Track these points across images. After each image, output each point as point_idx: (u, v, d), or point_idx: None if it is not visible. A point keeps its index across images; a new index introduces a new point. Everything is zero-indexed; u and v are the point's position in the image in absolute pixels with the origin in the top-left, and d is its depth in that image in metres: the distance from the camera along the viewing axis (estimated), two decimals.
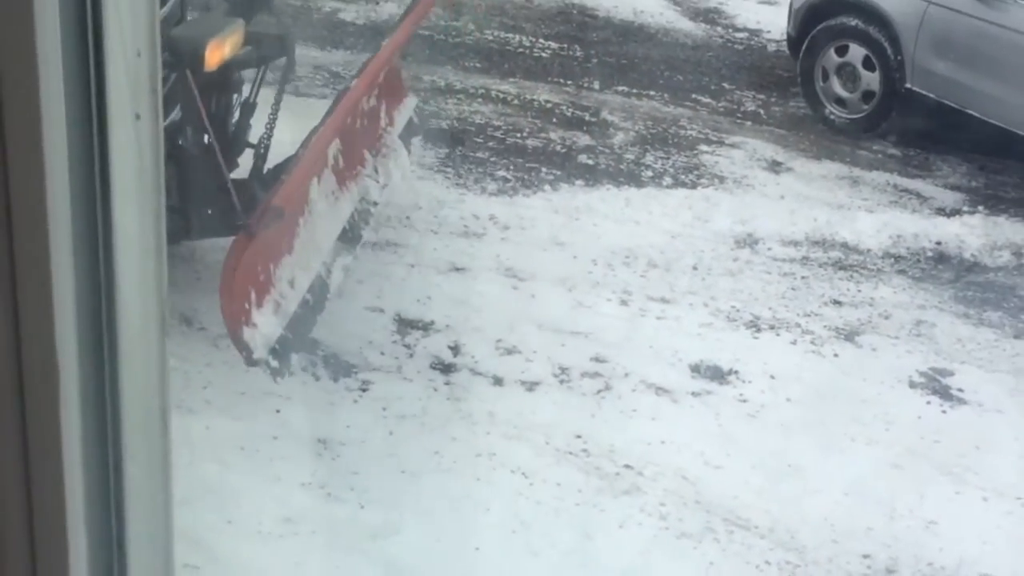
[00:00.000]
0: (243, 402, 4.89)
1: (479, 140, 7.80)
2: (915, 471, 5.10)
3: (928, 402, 5.60)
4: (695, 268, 6.50)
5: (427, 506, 4.47)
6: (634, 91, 8.93)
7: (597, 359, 5.55)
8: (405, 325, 5.62)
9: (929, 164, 8.11)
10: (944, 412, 5.56)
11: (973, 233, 7.16)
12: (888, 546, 4.66)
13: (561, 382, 5.36)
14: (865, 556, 4.60)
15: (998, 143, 7.70)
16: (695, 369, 5.60)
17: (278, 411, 4.89)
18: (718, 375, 5.58)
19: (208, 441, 4.60)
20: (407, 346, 5.46)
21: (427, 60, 8.85)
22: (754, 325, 6.02)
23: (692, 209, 7.12)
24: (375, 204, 5.89)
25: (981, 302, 6.53)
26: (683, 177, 7.62)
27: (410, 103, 6.76)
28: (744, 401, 5.41)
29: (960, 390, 5.71)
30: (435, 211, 6.71)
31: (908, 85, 8.02)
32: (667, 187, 7.46)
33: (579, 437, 4.98)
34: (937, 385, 5.73)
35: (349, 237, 5.57)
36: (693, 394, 5.41)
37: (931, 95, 7.92)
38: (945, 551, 4.66)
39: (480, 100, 8.45)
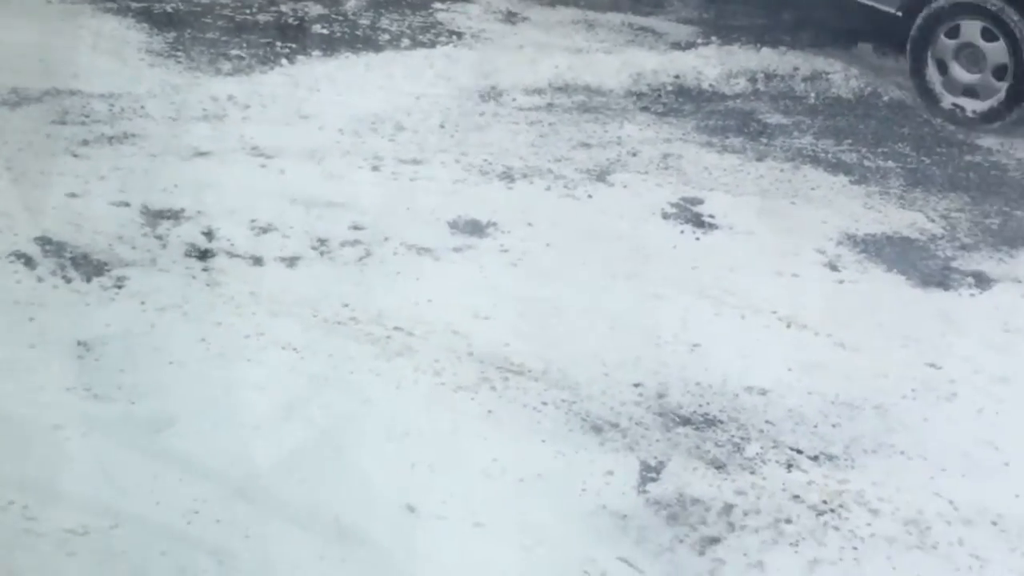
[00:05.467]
0: None
1: (208, 20, 7.56)
2: (675, 298, 5.25)
3: (682, 231, 5.75)
4: (442, 126, 6.48)
5: (199, 394, 4.39)
6: None
7: (355, 227, 5.51)
8: (154, 216, 5.46)
9: (661, 1, 8.22)
10: (698, 239, 5.71)
11: (709, 64, 7.32)
12: (657, 372, 4.80)
13: (321, 254, 5.31)
14: (636, 385, 4.73)
15: None
16: (454, 225, 5.61)
17: (32, 319, 4.71)
18: (477, 229, 5.61)
19: None
20: (159, 237, 5.31)
21: None
22: (507, 176, 6.06)
23: (433, 68, 7.08)
24: None
25: (723, 130, 6.70)
26: (421, 37, 7.56)
27: None
28: (505, 251, 5.46)
29: (711, 216, 5.88)
30: (170, 97, 6.50)
31: None
32: (406, 49, 7.39)
33: (346, 306, 4.95)
34: (689, 214, 5.88)
35: None
36: (455, 250, 5.43)
37: None
38: (710, 370, 4.83)
39: None
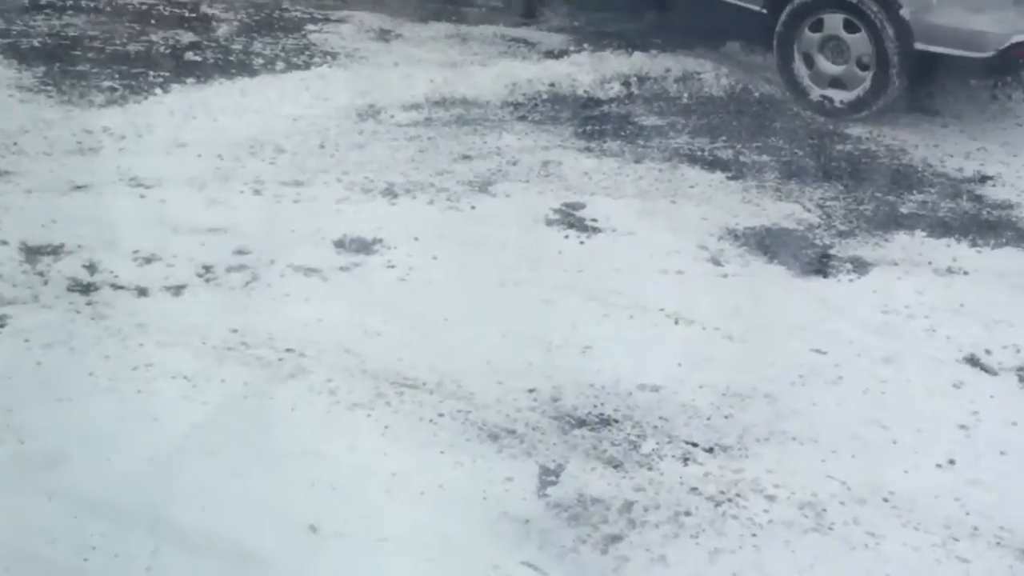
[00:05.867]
0: None
1: (77, 53, 7.47)
2: (564, 302, 5.30)
3: (566, 236, 5.81)
4: (322, 146, 6.47)
5: (91, 429, 4.34)
6: None
7: (240, 252, 5.48)
8: (33, 252, 5.38)
9: (532, 11, 8.28)
10: (582, 243, 5.78)
11: (583, 70, 7.40)
12: (550, 377, 4.85)
13: (207, 281, 5.27)
14: (531, 391, 4.76)
15: None
16: (340, 244, 5.61)
17: None
18: (363, 246, 5.61)
19: None
20: (40, 273, 5.24)
21: None
22: (390, 192, 6.07)
23: (310, 89, 7.08)
24: None
25: (600, 134, 6.78)
26: (295, 59, 7.54)
27: None
28: (392, 267, 5.47)
29: (594, 220, 5.94)
30: (44, 132, 6.42)
31: None
32: (281, 72, 7.38)
33: (235, 331, 4.93)
34: (572, 219, 5.94)
35: None
36: (342, 269, 5.43)
37: None
38: (603, 371, 4.89)
39: (71, 12, 8.07)
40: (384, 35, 7.81)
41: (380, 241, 5.65)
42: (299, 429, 4.43)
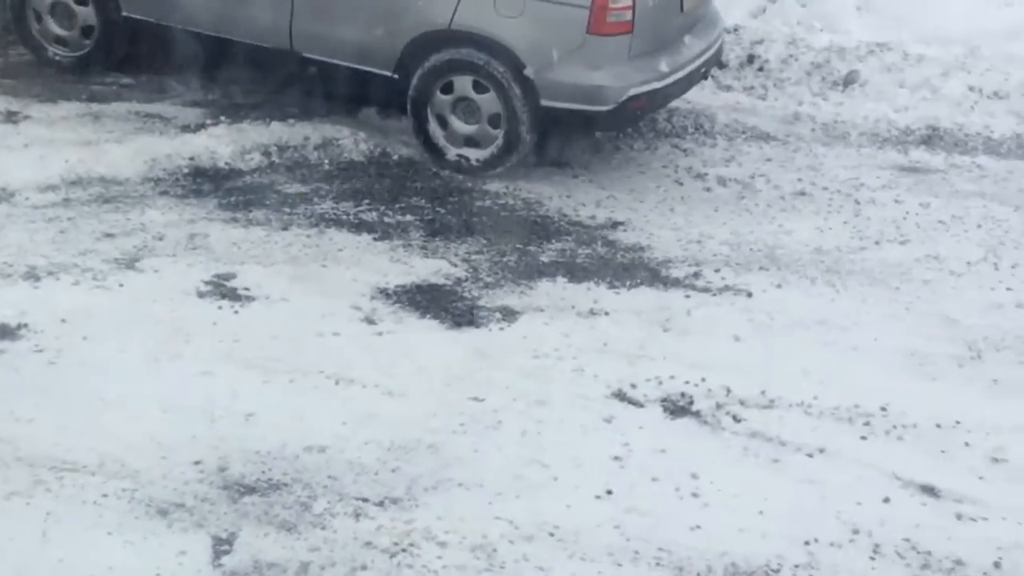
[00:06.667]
0: None
1: None
2: (223, 372, 5.30)
3: (220, 307, 5.79)
4: None
5: None
6: None
7: None
8: None
9: (165, 86, 8.21)
10: (237, 312, 5.77)
11: (222, 143, 7.38)
12: (215, 447, 4.83)
13: None
14: (197, 463, 4.73)
15: (224, 54, 7.92)
16: None
17: None
18: (7, 332, 5.43)
19: None
20: None
21: None
22: (32, 275, 5.89)
23: None
24: None
25: (245, 204, 6.79)
26: None
27: None
28: (40, 351, 5.32)
29: (246, 288, 5.95)
30: None
31: (125, 13, 8.03)
32: None
33: None
34: (224, 289, 5.93)
35: None
36: None
37: (149, 19, 7.98)
38: (268, 437, 4.91)
39: None
40: (11, 117, 7.56)
41: (25, 326, 5.48)
42: None
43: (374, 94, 7.70)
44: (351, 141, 7.55)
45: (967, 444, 5.15)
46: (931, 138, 8.12)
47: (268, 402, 5.14)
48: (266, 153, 7.40)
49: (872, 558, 4.50)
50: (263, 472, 4.74)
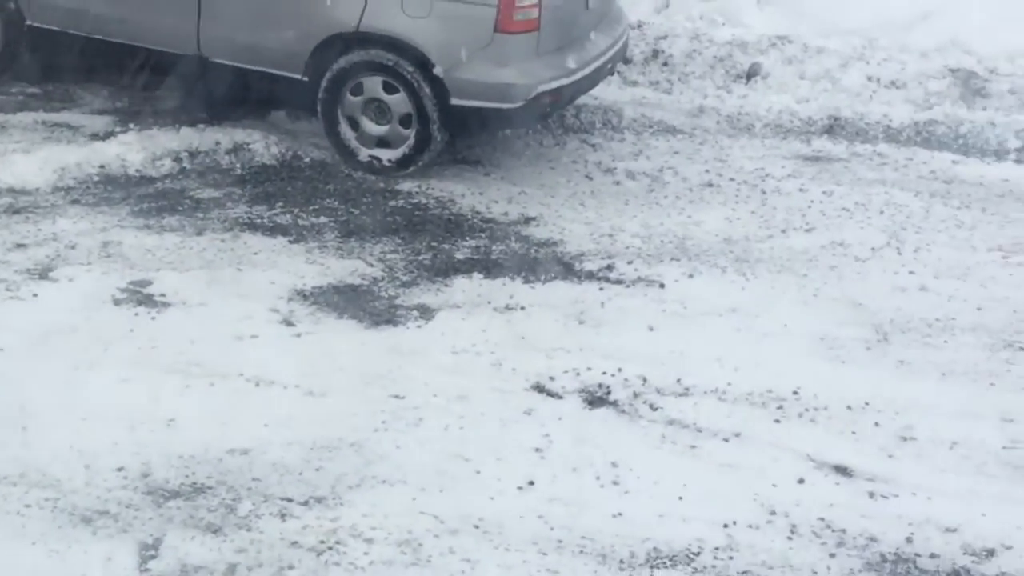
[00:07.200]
0: None
1: None
2: (143, 379, 5.30)
3: (136, 314, 5.78)
4: None
5: None
6: None
7: None
8: None
9: (71, 95, 8.16)
10: (154, 319, 5.77)
11: (132, 150, 7.35)
12: (137, 453, 4.84)
13: None
14: (119, 469, 4.74)
15: (131, 61, 7.88)
16: None
17: None
18: None
19: None
20: None
21: None
22: None
23: None
24: None
25: (158, 211, 6.77)
26: None
27: None
28: None
29: (163, 295, 5.95)
30: None
31: (29, 22, 7.96)
32: None
33: None
34: (140, 296, 5.92)
35: None
36: None
37: (54, 27, 7.92)
38: (190, 441, 4.93)
39: None
40: None
41: None
42: None
43: (284, 96, 7.71)
44: (262, 145, 7.56)
45: (877, 424, 5.28)
46: (833, 128, 8.30)
47: (189, 406, 5.15)
48: (177, 159, 7.38)
49: (789, 538, 4.61)
50: (187, 476, 4.75)
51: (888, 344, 5.88)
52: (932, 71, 8.66)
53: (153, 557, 4.35)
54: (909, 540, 4.62)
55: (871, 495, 4.87)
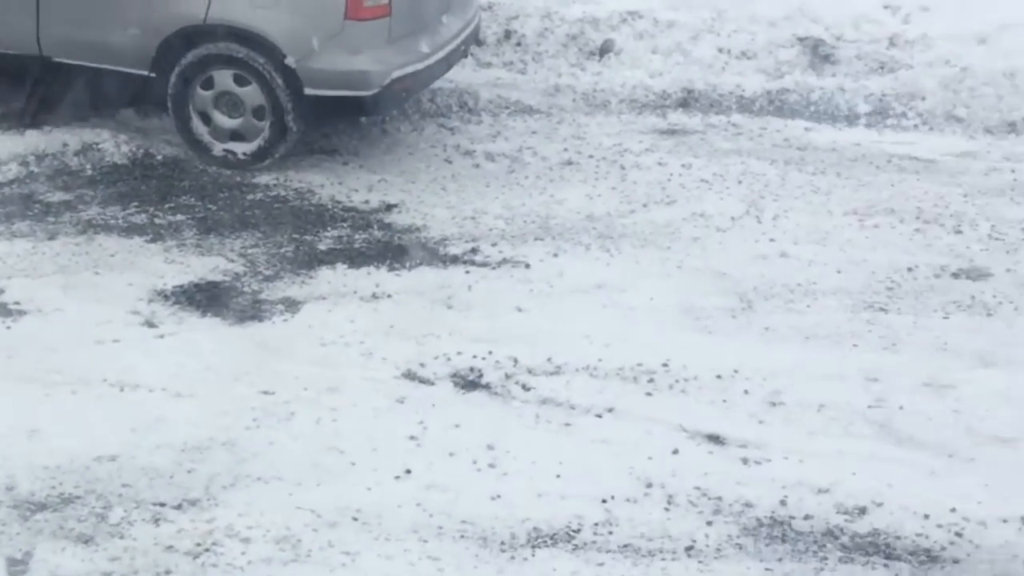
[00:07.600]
0: None
1: None
2: (2, 390, 5.16)
3: None
4: None
5: None
6: None
7: None
8: None
9: None
10: (9, 328, 5.61)
11: None
12: (0, 467, 4.70)
13: None
14: None
15: None
16: None
17: None
18: None
19: None
20: None
21: None
22: None
23: None
24: None
25: (6, 216, 6.59)
26: None
27: None
28: None
29: (17, 303, 5.79)
30: None
31: None
32: None
33: None
34: None
35: None
36: None
37: None
38: (54, 451, 4.81)
39: None
40: None
41: None
42: None
43: (132, 94, 7.54)
44: (112, 144, 7.39)
45: (746, 391, 5.35)
46: (687, 100, 8.39)
47: (51, 415, 5.02)
48: (24, 163, 7.19)
49: (667, 509, 4.65)
50: (53, 487, 4.63)
51: (753, 312, 5.95)
52: (781, 40, 8.79)
53: (23, 572, 4.22)
54: (783, 503, 4.69)
55: (744, 461, 4.92)
